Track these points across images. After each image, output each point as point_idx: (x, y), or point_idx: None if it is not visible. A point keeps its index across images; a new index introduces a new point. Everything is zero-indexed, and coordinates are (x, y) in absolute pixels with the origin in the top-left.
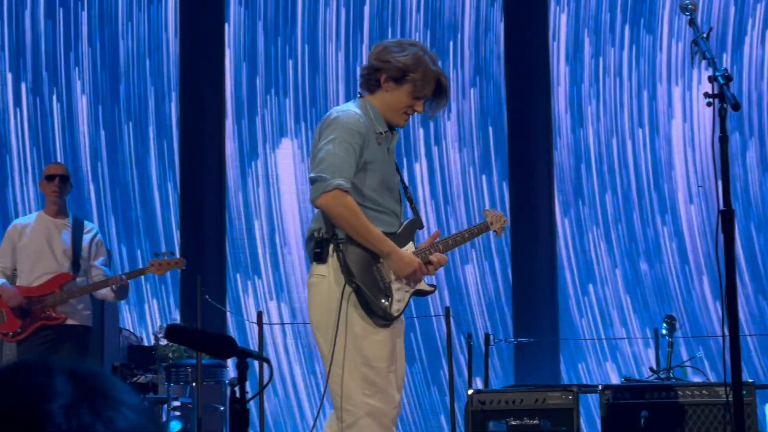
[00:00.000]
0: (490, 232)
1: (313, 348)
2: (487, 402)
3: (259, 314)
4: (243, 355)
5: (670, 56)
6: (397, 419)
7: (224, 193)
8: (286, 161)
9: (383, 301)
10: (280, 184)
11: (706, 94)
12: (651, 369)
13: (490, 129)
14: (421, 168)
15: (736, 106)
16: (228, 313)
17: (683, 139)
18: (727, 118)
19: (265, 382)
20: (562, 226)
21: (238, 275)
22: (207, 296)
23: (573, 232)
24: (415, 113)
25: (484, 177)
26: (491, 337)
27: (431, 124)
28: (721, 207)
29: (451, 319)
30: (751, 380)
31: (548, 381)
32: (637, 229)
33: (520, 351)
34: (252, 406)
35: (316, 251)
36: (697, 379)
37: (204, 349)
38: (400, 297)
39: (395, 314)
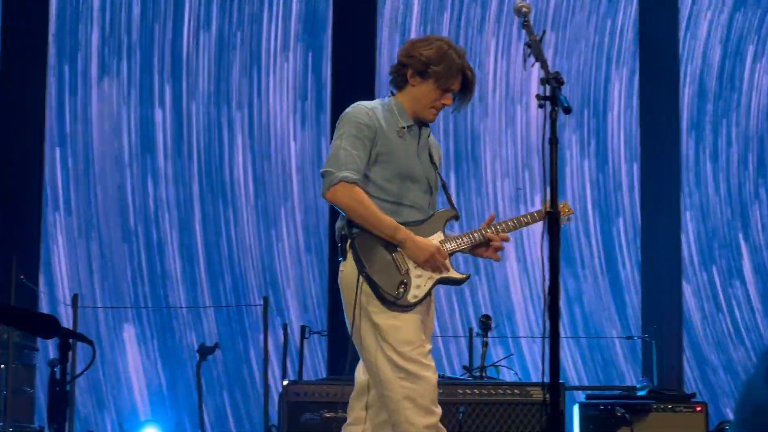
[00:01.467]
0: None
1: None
2: (301, 394)
3: (75, 297)
4: (66, 336)
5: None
6: (436, 398)
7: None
8: None
9: (400, 288)
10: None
11: (538, 96)
12: (464, 367)
13: None
14: None
15: (567, 110)
16: (43, 295)
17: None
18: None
19: (87, 363)
20: None
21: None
22: (22, 276)
23: None
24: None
25: None
26: (306, 329)
27: None
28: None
29: (269, 310)
30: (562, 381)
31: None
32: None
33: (336, 344)
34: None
35: (339, 247)
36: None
37: (26, 328)
38: (419, 284)
39: (411, 300)
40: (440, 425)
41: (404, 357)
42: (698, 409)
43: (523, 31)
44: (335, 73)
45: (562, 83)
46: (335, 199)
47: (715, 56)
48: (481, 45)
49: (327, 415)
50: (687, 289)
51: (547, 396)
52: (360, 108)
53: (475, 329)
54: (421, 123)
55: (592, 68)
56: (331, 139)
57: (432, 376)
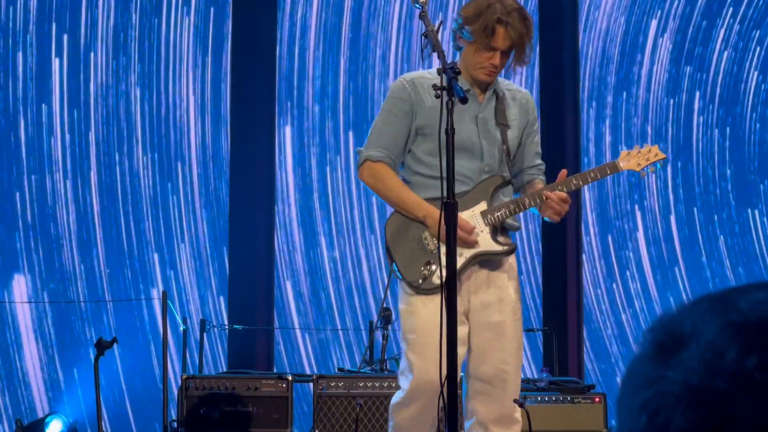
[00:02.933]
0: (624, 173)
1: None
2: (200, 388)
3: None
4: None
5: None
6: (436, 395)
7: None
8: None
9: (424, 270)
10: None
11: (434, 87)
12: (364, 360)
13: None
14: None
15: (464, 100)
16: None
17: None
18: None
19: None
20: (287, 218)
21: None
22: None
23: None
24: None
25: None
26: (206, 323)
27: None
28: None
29: (169, 303)
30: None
31: (264, 369)
32: None
33: (236, 338)
34: None
35: None
36: None
37: None
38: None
39: (436, 283)
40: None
41: (409, 345)
42: (597, 400)
43: (421, 23)
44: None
45: (458, 73)
46: (362, 179)
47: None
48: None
49: (226, 409)
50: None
51: (444, 390)
52: (398, 81)
53: (376, 322)
54: (487, 84)
55: None
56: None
57: (433, 373)
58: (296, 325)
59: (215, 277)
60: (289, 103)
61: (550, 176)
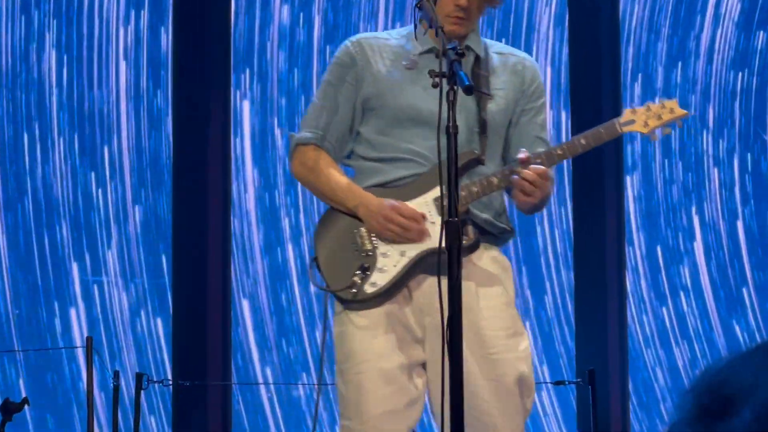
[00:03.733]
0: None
1: None
2: None
3: None
4: None
5: None
6: None
7: None
8: None
9: (355, 277)
10: None
11: (431, 73)
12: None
13: None
14: None
15: (469, 89)
16: None
17: None
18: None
19: None
20: (246, 234)
21: None
22: None
23: None
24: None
25: None
26: (143, 377)
27: None
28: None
29: (94, 353)
30: None
31: None
32: None
33: (183, 394)
34: None
35: None
36: None
37: None
38: (384, 265)
39: (368, 291)
40: None
41: (342, 376)
42: None
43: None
44: None
45: (462, 55)
46: (294, 174)
47: None
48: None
49: None
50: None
51: None
52: (344, 44)
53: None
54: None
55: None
56: None
57: (373, 411)
58: (260, 379)
59: (155, 317)
60: (248, 71)
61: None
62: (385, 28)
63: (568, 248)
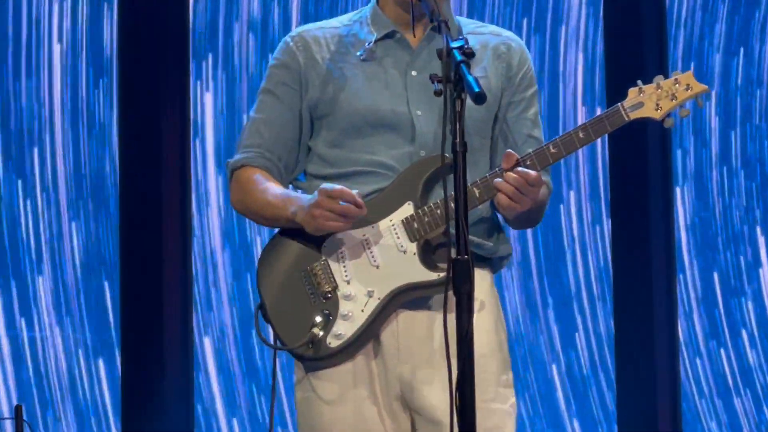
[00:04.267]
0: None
1: None
2: None
3: None
4: None
5: None
6: None
7: None
8: None
9: (314, 328)
10: None
11: (433, 77)
12: None
13: None
14: None
15: (480, 97)
16: None
17: None
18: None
19: None
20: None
21: None
22: None
23: None
24: None
25: None
26: None
27: None
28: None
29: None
30: None
31: None
32: None
33: None
34: None
35: None
36: None
37: None
38: (349, 310)
39: (333, 346)
40: None
41: None
42: None
43: None
44: None
45: (471, 55)
46: (234, 206)
47: None
48: None
49: None
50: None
51: None
52: (283, 40)
53: None
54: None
55: None
56: None
57: None
58: None
59: (98, 382)
60: (210, 57)
61: None
62: None
63: (606, 281)
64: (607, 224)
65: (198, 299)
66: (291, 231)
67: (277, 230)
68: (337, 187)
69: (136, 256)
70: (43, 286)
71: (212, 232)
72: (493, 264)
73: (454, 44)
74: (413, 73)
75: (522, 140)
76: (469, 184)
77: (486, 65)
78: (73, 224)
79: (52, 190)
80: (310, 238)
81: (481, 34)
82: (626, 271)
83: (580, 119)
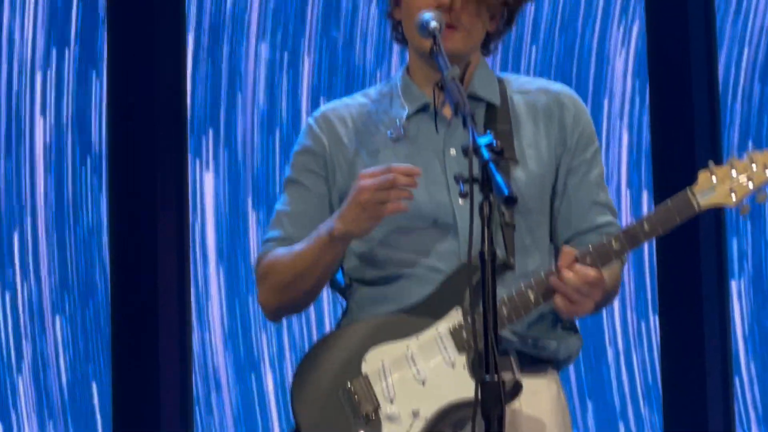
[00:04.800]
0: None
1: None
2: None
3: None
4: None
5: None
6: None
7: None
8: None
9: None
10: None
11: (458, 178)
12: None
13: None
14: None
15: (510, 200)
16: None
17: None
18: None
19: None
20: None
21: None
22: None
23: None
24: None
25: None
26: None
27: None
28: None
29: None
30: None
31: None
32: None
33: None
34: None
35: None
36: None
37: None
38: (393, 413)
39: None
40: None
41: None
42: None
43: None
44: None
45: (500, 154)
46: (264, 306)
47: None
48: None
49: None
50: None
51: None
52: (306, 122)
53: None
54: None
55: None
56: None
57: None
58: None
59: None
60: (211, 132)
61: None
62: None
63: (651, 380)
64: (654, 320)
65: (197, 399)
66: (327, 344)
67: (310, 346)
68: (378, 167)
69: (130, 355)
70: (23, 386)
71: (213, 324)
72: (560, 363)
73: (482, 140)
74: (451, 152)
75: (587, 208)
76: (522, 286)
77: (535, 131)
78: (57, 318)
79: (34, 280)
80: (348, 353)
81: (527, 92)
82: (676, 377)
83: (625, 204)
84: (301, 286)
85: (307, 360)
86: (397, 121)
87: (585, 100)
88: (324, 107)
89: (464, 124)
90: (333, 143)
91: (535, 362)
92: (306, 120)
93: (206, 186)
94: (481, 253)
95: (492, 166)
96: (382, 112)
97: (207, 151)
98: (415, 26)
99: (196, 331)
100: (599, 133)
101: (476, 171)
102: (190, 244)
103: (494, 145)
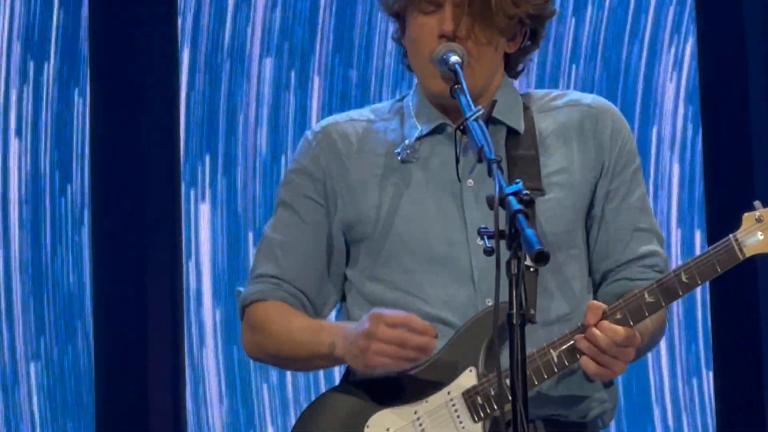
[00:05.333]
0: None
1: None
2: None
3: None
4: None
5: None
6: None
7: None
8: None
9: None
10: None
11: (482, 232)
12: None
13: None
14: None
15: (541, 255)
16: None
17: None
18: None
19: None
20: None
21: None
22: None
23: None
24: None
25: None
26: None
27: None
28: None
29: None
30: None
31: None
32: None
33: None
34: None
35: None
36: None
37: None
38: None
39: None
40: None
41: None
42: None
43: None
44: None
45: (531, 203)
46: (247, 352)
47: None
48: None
49: None
50: None
51: None
52: (304, 135)
53: None
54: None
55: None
56: None
57: None
58: None
59: None
60: (207, 159)
61: None
62: None
63: None
64: (707, 376)
65: None
66: (324, 405)
67: (309, 405)
68: (399, 313)
69: (111, 406)
70: None
71: (208, 371)
72: (594, 425)
73: (510, 189)
74: (469, 183)
75: (627, 236)
76: (545, 345)
77: (565, 152)
78: (32, 366)
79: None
80: (349, 415)
81: (555, 109)
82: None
83: (675, 244)
84: (288, 366)
85: (303, 422)
86: (407, 141)
87: (630, 125)
88: (326, 121)
89: (489, 172)
90: (333, 165)
91: (566, 428)
92: (305, 134)
93: (201, 218)
94: (509, 316)
95: (521, 218)
96: (391, 131)
97: (202, 178)
98: (433, 62)
99: (190, 383)
100: (646, 166)
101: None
102: (183, 286)
103: (524, 194)
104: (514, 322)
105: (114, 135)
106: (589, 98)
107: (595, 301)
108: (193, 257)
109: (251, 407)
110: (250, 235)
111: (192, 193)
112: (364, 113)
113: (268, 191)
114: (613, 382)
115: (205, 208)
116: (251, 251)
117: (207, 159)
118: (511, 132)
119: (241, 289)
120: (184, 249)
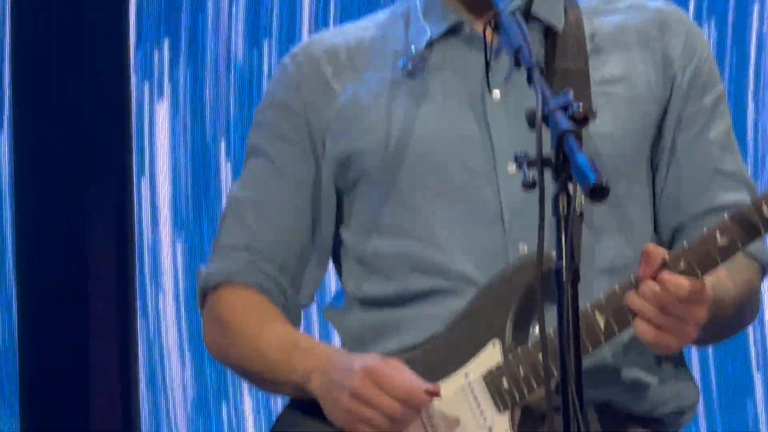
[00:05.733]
0: None
1: None
2: None
3: None
4: None
5: None
6: None
7: None
8: None
9: None
10: None
11: (522, 159)
12: None
13: None
14: None
15: (599, 190)
16: None
17: None
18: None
19: None
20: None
21: None
22: None
23: None
24: None
25: None
26: None
27: None
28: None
29: None
30: None
31: None
32: None
33: None
34: None
35: None
36: None
37: None
38: None
39: None
40: None
41: None
42: None
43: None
44: None
45: (584, 121)
46: (206, 345)
47: None
48: None
49: None
50: None
51: None
52: (281, 62)
53: None
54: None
55: None
56: None
57: None
58: None
59: None
60: (165, 43)
61: None
62: None
63: None
64: None
65: None
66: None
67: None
68: (398, 372)
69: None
70: None
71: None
72: (666, 423)
73: (556, 102)
74: (496, 95)
75: (706, 179)
76: (587, 305)
77: (627, 62)
78: None
79: None
80: None
81: (613, 12)
82: None
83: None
84: (254, 383)
85: (280, 425)
86: (413, 47)
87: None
88: (310, 39)
89: (529, 79)
90: (319, 91)
91: (626, 423)
92: (282, 59)
93: (158, 120)
94: (557, 272)
95: (572, 140)
96: (392, 39)
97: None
98: None
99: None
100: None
101: (545, 148)
102: (135, 211)
103: (576, 109)
104: (564, 278)
105: (44, 9)
106: (657, 2)
107: (652, 245)
108: (146, 173)
109: (222, 372)
110: (222, 145)
111: (146, 87)
112: (359, 23)
113: (246, 85)
114: (692, 377)
115: (162, 108)
116: (224, 168)
117: (166, 43)
118: (551, 33)
119: (203, 266)
120: (135, 162)
